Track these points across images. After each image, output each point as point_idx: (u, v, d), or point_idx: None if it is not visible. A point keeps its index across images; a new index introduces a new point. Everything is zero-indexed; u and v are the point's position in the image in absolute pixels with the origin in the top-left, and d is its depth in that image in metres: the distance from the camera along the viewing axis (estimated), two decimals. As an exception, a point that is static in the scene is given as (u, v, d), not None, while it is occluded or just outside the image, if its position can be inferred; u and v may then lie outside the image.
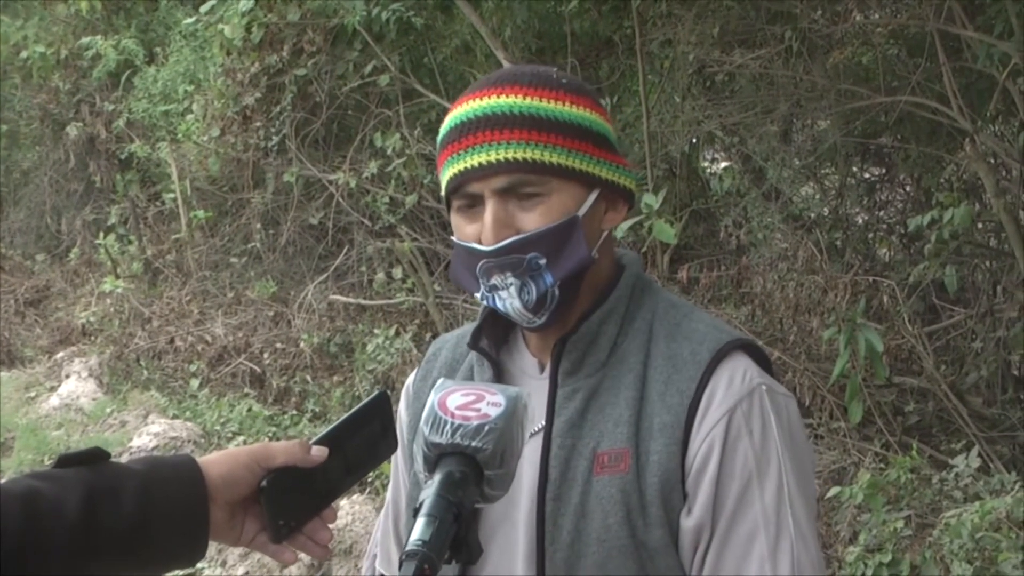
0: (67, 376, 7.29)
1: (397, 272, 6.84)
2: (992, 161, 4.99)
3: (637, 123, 5.89)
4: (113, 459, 1.15)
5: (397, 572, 1.01)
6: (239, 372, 6.98)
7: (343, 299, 7.10)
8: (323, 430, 1.25)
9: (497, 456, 1.11)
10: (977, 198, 5.46)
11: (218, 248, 8.22)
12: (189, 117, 8.20)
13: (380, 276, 6.95)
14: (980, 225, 5.21)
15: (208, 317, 7.62)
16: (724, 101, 5.97)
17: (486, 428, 1.11)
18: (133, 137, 9.34)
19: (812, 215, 6.17)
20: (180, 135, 8.31)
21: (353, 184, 6.94)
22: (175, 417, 6.39)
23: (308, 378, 6.71)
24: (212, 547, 1.23)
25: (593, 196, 1.35)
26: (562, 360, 1.37)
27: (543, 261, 1.32)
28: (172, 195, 8.66)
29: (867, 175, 6.49)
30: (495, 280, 1.34)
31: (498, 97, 1.33)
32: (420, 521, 1.04)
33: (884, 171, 6.46)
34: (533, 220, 1.32)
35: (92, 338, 7.99)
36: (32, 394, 7.29)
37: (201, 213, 8.30)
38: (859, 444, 4.44)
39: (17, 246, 10.65)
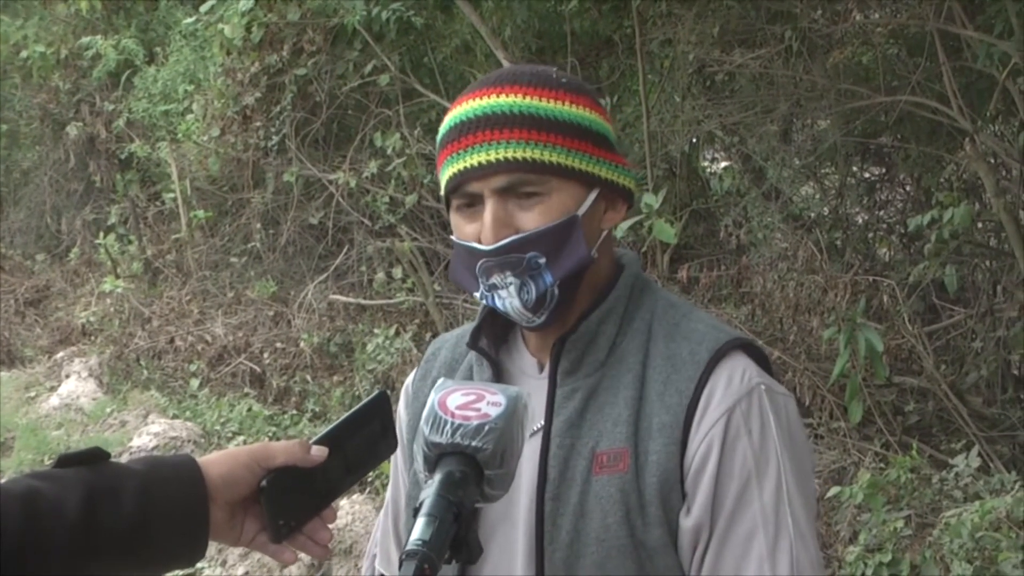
0: (67, 376, 7.29)
1: (397, 272, 6.85)
2: (992, 161, 4.99)
3: (637, 123, 5.89)
4: (113, 459, 1.15)
5: (397, 572, 1.01)
6: (239, 372, 6.98)
7: (343, 299, 7.10)
8: (323, 430, 1.25)
9: (497, 456, 1.11)
10: (977, 198, 5.46)
11: (218, 248, 8.22)
12: (189, 117, 8.20)
13: (380, 276, 6.96)
14: (980, 225, 5.21)
15: (208, 317, 7.63)
16: (724, 101, 5.97)
17: (486, 428, 1.11)
18: (133, 137, 9.34)
19: (812, 215, 6.17)
20: (180, 135, 8.31)
21: (353, 184, 6.95)
22: (175, 417, 6.39)
23: (308, 378, 6.71)
24: (212, 547, 1.23)
25: (593, 195, 1.35)
26: (561, 360, 1.37)
27: (542, 260, 1.32)
28: (172, 195, 8.66)
29: (867, 175, 6.49)
30: (494, 279, 1.34)
31: (498, 96, 1.33)
32: (420, 521, 1.04)
33: (884, 171, 6.46)
34: (533, 219, 1.32)
35: (92, 338, 7.99)
36: (32, 394, 7.29)
37: (201, 213, 8.30)
38: (859, 444, 4.44)
39: (17, 246, 10.65)
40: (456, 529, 1.06)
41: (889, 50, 5.62)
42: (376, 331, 6.52)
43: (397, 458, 1.53)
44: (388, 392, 1.30)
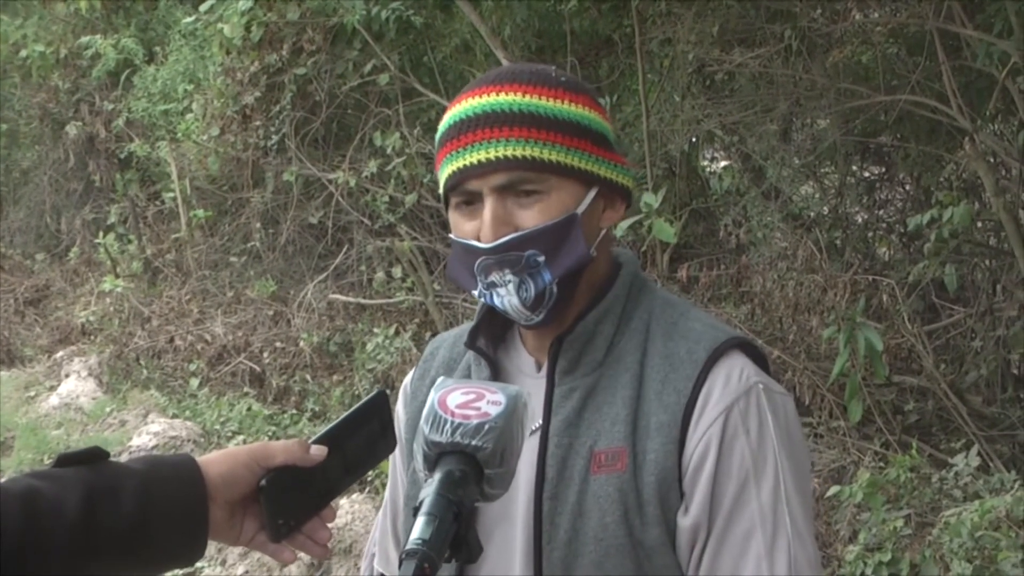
0: (67, 375, 7.29)
1: (397, 271, 6.85)
2: (991, 160, 4.99)
3: (637, 122, 5.89)
4: (113, 458, 1.15)
5: (396, 571, 1.01)
6: (239, 371, 6.98)
7: (343, 298, 7.10)
8: (322, 429, 1.25)
9: (497, 455, 1.11)
10: (976, 197, 5.46)
11: (218, 247, 8.22)
12: (188, 116, 8.20)
13: (380, 275, 6.96)
14: (980, 224, 5.22)
15: (208, 316, 7.62)
16: (724, 100, 5.97)
17: (486, 427, 1.11)
18: (133, 136, 9.34)
19: (812, 214, 6.17)
20: (180, 134, 8.31)
21: (353, 183, 6.95)
22: (175, 416, 6.39)
23: (308, 377, 6.71)
24: (211, 546, 1.24)
25: (592, 194, 1.35)
26: (559, 359, 1.37)
27: (541, 258, 1.32)
28: (172, 194, 8.66)
29: (867, 174, 6.49)
30: (493, 277, 1.34)
31: (497, 95, 1.33)
32: (420, 520, 1.04)
33: (884, 170, 6.46)
34: (532, 217, 1.32)
35: (92, 337, 7.99)
36: (32, 393, 7.29)
37: (201, 212, 8.30)
38: (859, 443, 4.44)
39: (17, 245, 10.65)
40: (456, 528, 1.06)
41: (889, 49, 5.62)
42: (376, 330, 6.52)
43: (395, 457, 1.53)
44: (387, 391, 1.30)
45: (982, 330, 4.98)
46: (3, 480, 1.11)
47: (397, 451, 1.48)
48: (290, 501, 1.19)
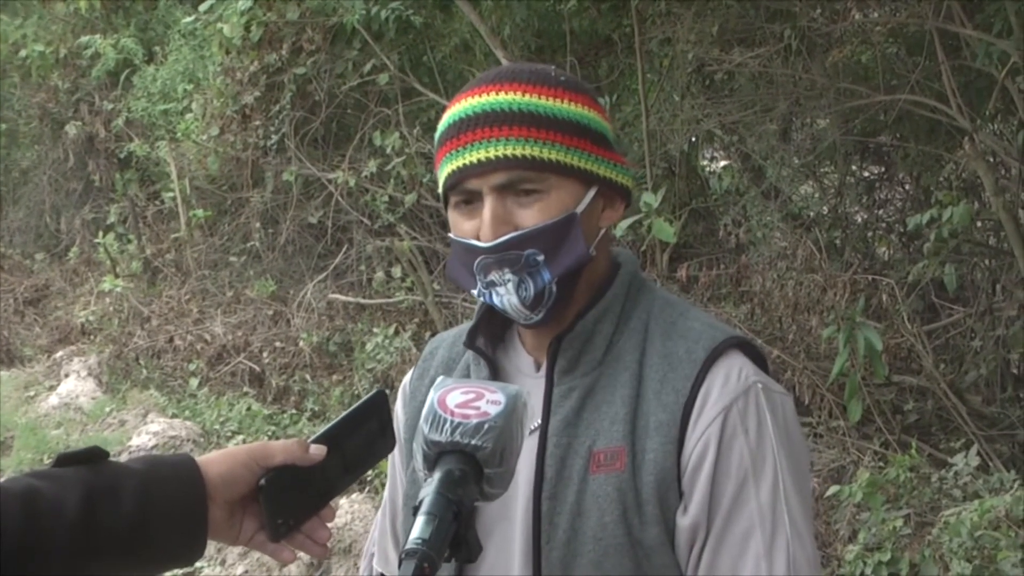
0: (66, 375, 7.29)
1: (396, 271, 6.85)
2: (991, 160, 4.99)
3: (636, 122, 5.89)
4: (112, 458, 1.15)
5: (395, 571, 1.01)
6: (238, 371, 6.98)
7: (342, 298, 7.10)
8: (321, 429, 1.25)
9: (497, 454, 1.11)
10: (976, 197, 5.46)
11: (217, 247, 8.22)
12: (188, 116, 8.20)
13: (379, 275, 6.96)
14: (979, 224, 5.22)
15: (207, 316, 7.62)
16: (723, 100, 5.97)
17: (486, 426, 1.11)
18: (132, 136, 9.34)
19: (811, 214, 6.17)
20: (179, 134, 8.31)
21: (352, 183, 6.95)
22: (174, 416, 6.39)
23: (307, 377, 6.71)
24: (211, 546, 1.24)
25: (591, 193, 1.35)
26: (558, 358, 1.37)
27: (541, 257, 1.32)
28: (171, 194, 8.66)
29: (866, 174, 6.49)
30: (493, 276, 1.33)
31: (497, 94, 1.33)
32: (420, 519, 1.04)
33: (883, 170, 6.46)
34: (531, 216, 1.32)
35: (91, 337, 7.99)
36: (31, 393, 7.29)
37: (200, 212, 8.29)
38: (858, 443, 4.44)
39: (16, 245, 10.65)
40: (455, 528, 1.06)
41: (888, 49, 5.62)
42: (375, 330, 6.52)
43: (394, 457, 1.53)
44: (386, 391, 1.30)
45: (982, 330, 4.98)
46: (3, 480, 1.11)
47: (396, 451, 1.48)
48: (289, 501, 1.19)
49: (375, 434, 1.26)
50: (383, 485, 4.47)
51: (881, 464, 4.19)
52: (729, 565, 1.27)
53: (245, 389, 6.81)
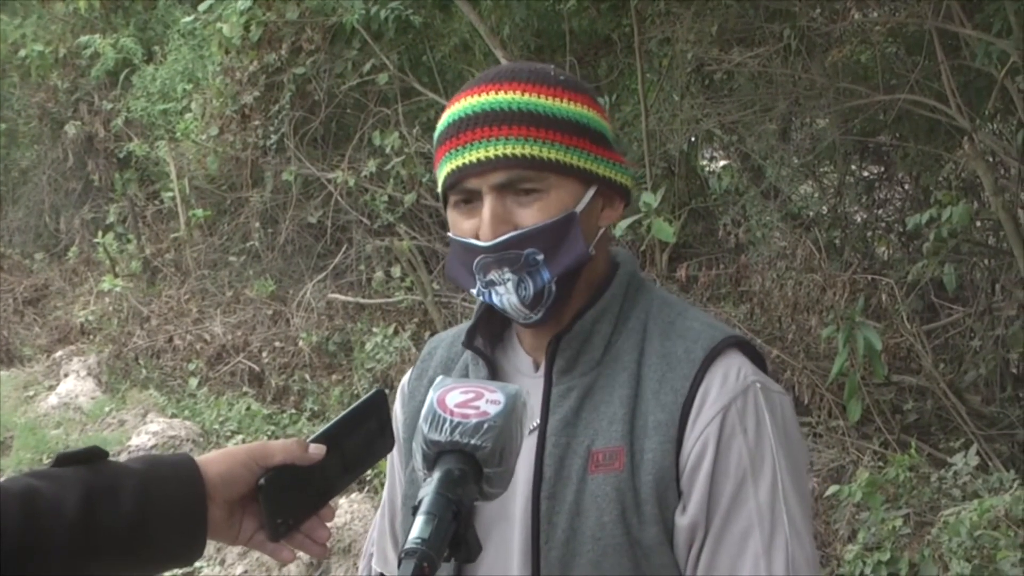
0: (66, 375, 7.29)
1: (396, 271, 6.84)
2: (990, 159, 4.99)
3: (636, 121, 5.89)
4: (112, 458, 1.15)
5: (394, 570, 1.01)
6: (238, 371, 6.98)
7: (342, 298, 7.10)
8: (321, 428, 1.25)
9: (496, 454, 1.11)
10: (976, 196, 5.46)
11: (217, 247, 8.22)
12: (188, 116, 8.20)
13: (379, 275, 6.96)
14: (979, 223, 5.21)
15: (207, 316, 7.62)
16: (723, 99, 5.96)
17: (485, 426, 1.11)
18: (132, 136, 9.33)
19: (811, 213, 6.17)
20: (179, 134, 8.31)
21: (352, 183, 6.95)
22: (174, 416, 6.39)
23: (307, 377, 6.71)
24: (210, 546, 1.23)
25: (590, 193, 1.35)
26: (556, 358, 1.37)
27: (540, 257, 1.32)
28: (171, 194, 8.65)
29: (866, 173, 6.48)
30: (492, 276, 1.33)
31: (496, 93, 1.33)
32: (419, 519, 1.04)
33: (883, 169, 6.46)
34: (531, 216, 1.32)
35: (91, 337, 7.99)
36: (31, 393, 7.29)
37: (200, 212, 8.29)
38: (858, 442, 4.44)
39: (16, 245, 10.65)
40: (455, 527, 1.06)
41: (888, 49, 5.62)
42: (375, 330, 6.52)
43: (393, 457, 1.53)
44: (385, 390, 1.30)
45: (981, 329, 4.98)
46: (2, 480, 1.11)
47: (395, 450, 1.48)
48: (289, 500, 1.19)
49: (374, 434, 1.26)
50: (382, 485, 4.47)
51: (880, 464, 4.19)
52: (728, 564, 1.27)
53: (244, 389, 6.81)
